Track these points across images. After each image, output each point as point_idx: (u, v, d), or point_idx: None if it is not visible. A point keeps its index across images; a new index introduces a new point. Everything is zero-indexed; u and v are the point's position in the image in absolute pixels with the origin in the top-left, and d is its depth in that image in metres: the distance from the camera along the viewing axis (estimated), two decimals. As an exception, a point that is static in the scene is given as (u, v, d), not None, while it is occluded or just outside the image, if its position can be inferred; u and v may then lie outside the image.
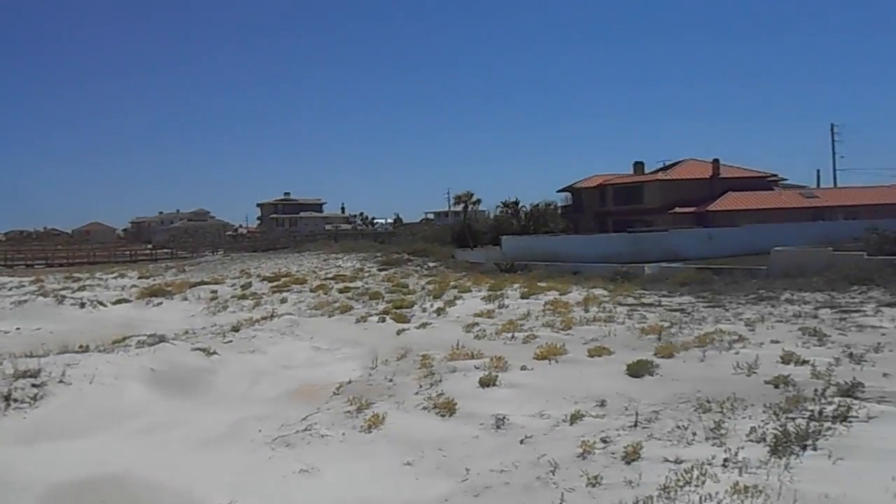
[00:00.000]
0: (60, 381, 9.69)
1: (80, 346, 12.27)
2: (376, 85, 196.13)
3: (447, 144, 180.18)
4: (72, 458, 7.74)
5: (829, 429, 7.09)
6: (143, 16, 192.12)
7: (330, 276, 30.10)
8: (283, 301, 22.72)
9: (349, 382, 10.91)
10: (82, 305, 22.22)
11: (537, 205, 53.80)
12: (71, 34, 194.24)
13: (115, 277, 33.90)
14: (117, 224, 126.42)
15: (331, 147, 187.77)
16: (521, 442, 7.71)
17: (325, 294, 23.99)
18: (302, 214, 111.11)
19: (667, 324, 14.68)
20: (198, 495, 6.81)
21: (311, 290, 25.10)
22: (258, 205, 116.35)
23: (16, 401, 9.04)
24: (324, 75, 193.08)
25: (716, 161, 47.62)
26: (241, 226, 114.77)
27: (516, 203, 54.68)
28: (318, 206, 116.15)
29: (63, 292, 25.24)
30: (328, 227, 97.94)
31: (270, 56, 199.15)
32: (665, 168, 50.04)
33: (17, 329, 17.55)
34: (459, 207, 55.59)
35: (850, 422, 7.33)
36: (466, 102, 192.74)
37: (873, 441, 6.74)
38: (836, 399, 8.14)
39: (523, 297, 20.57)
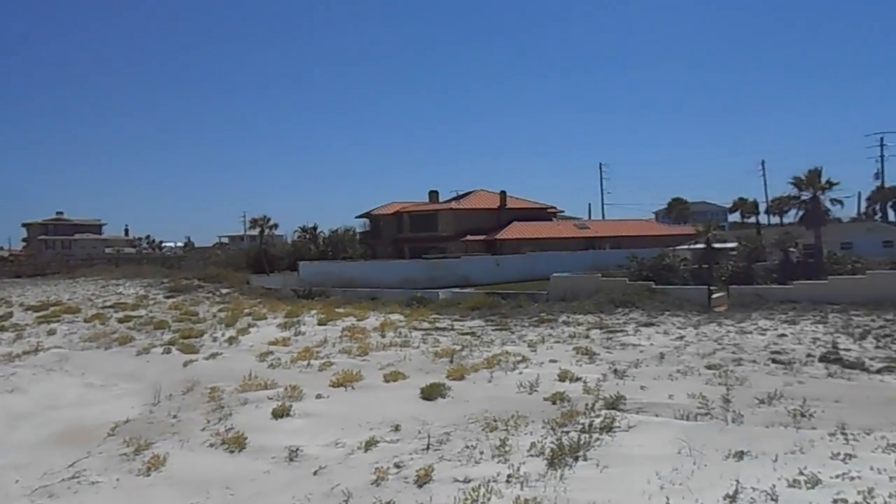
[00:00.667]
0: None
1: None
2: (166, 99, 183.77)
3: (241, 166, 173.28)
4: None
5: (598, 440, 7.84)
6: None
7: (109, 304, 27.51)
8: (52, 333, 20.29)
9: (126, 421, 10.01)
10: None
11: (336, 230, 53.65)
12: None
13: None
14: None
15: (113, 163, 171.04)
16: (315, 473, 7.58)
17: (103, 324, 21.84)
18: (77, 236, 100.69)
19: (458, 347, 15.32)
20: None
21: (86, 321, 22.73)
22: (24, 224, 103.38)
23: None
24: (106, 78, 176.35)
25: (503, 193, 51.08)
26: (2, 248, 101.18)
27: (314, 228, 54.10)
28: (96, 228, 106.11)
29: None
30: (108, 250, 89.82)
31: (48, 54, 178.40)
32: (458, 198, 52.58)
33: None
34: (255, 231, 53.61)
35: (614, 432, 8.17)
36: (261, 124, 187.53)
37: (633, 448, 7.56)
38: (604, 412, 9.04)
39: (321, 323, 20.34)
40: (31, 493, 7.36)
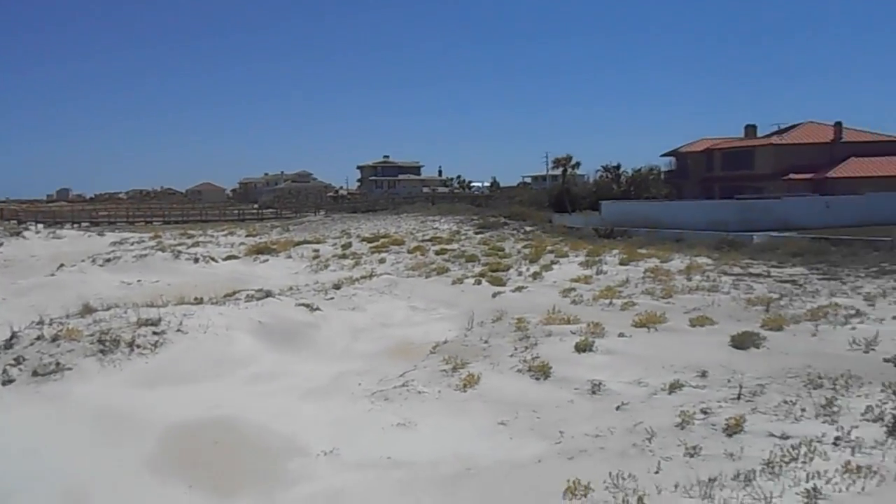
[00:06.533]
0: (178, 331, 10.39)
1: (195, 299, 13.06)
2: (475, 53, 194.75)
3: (547, 109, 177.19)
4: (187, 401, 8.32)
5: (957, 412, 6.58)
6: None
7: (427, 237, 30.48)
8: (382, 261, 23.26)
9: (445, 342, 11.09)
10: (196, 261, 23.59)
11: (639, 170, 52.13)
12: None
13: (225, 235, 35.80)
14: (226, 184, 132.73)
15: (429, 111, 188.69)
16: (617, 408, 7.62)
17: (423, 255, 24.35)
18: (400, 177, 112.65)
19: (776, 295, 13.97)
20: (302, 441, 7.18)
21: (409, 252, 25.54)
22: (358, 167, 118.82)
23: (139, 347, 9.77)
24: (427, 43, 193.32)
25: (838, 124, 44.32)
26: (341, 187, 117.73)
27: (617, 167, 53.23)
28: (416, 169, 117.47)
29: (178, 248, 26.91)
30: (425, 189, 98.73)
31: (370, 20, 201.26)
32: (780, 132, 47.04)
33: (139, 281, 18.90)
34: (558, 171, 54.69)
35: (983, 406, 6.78)
36: (563, 68, 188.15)
37: None
38: (967, 381, 7.54)
39: (622, 263, 20.10)
40: (371, 395, 8.57)
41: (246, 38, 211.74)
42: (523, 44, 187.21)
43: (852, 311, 11.93)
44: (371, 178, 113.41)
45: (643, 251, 22.36)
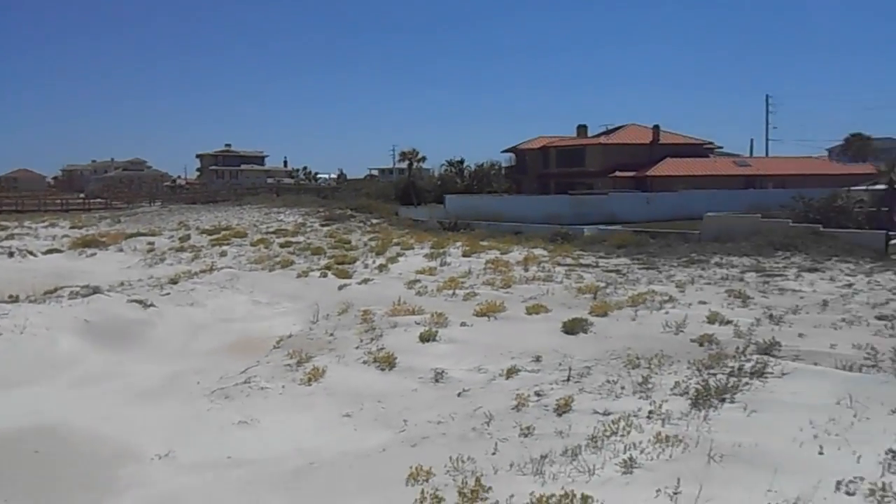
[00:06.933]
0: (-12, 332, 9.42)
1: (10, 297, 11.89)
2: (322, 42, 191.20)
3: (393, 102, 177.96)
4: (2, 409, 7.60)
5: (747, 384, 7.53)
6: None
7: (271, 230, 29.71)
8: (223, 254, 22.37)
9: (289, 336, 10.95)
10: (11, 255, 21.42)
11: (482, 164, 53.93)
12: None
13: (46, 226, 32.62)
14: (47, 172, 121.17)
15: (274, 99, 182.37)
16: (459, 395, 7.95)
17: (266, 248, 23.72)
18: (243, 167, 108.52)
19: (603, 284, 15.14)
20: (134, 446, 6.81)
21: (252, 244, 24.77)
22: (198, 156, 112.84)
23: (-60, 351, 8.75)
24: (269, 28, 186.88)
25: (656, 127, 48.61)
26: (179, 177, 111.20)
27: (461, 162, 54.73)
28: (259, 159, 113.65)
29: (-12, 241, 24.19)
30: (270, 180, 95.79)
31: (212, 4, 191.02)
32: (607, 132, 50.77)
33: (-61, 278, 16.80)
34: (404, 164, 55.26)
35: (766, 377, 7.80)
36: (414, 64, 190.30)
37: (785, 395, 7.21)
38: (755, 357, 8.63)
39: (465, 255, 20.81)
40: (210, 394, 8.31)
41: (70, 12, 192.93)
42: (370, 36, 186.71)
43: (666, 298, 13.22)
44: (212, 167, 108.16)
45: (485, 243, 23.29)
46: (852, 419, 6.35)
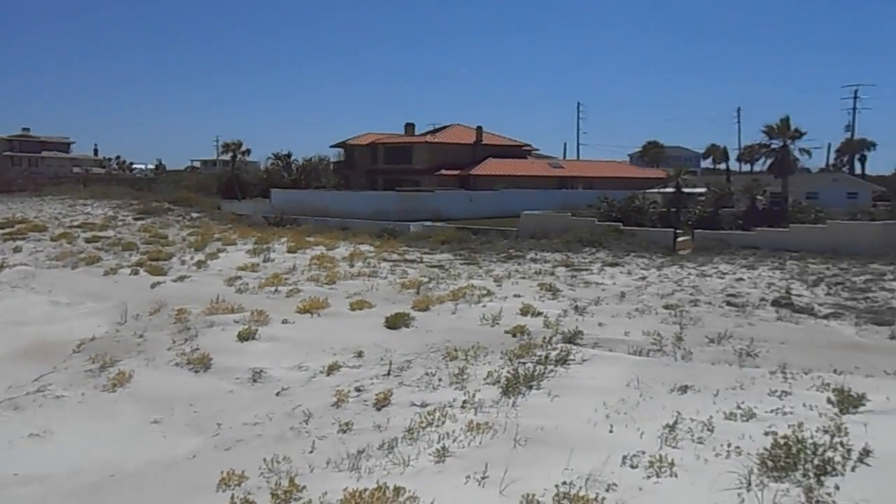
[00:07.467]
0: None
1: None
2: (135, 17, 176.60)
3: (216, 88, 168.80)
4: None
5: (552, 371, 8.14)
6: None
7: (76, 223, 27.13)
8: (17, 250, 20.07)
9: (92, 339, 10.12)
10: None
11: (310, 159, 53.08)
12: None
13: None
14: None
15: (82, 80, 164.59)
16: (278, 394, 7.81)
17: (70, 244, 21.62)
18: (45, 154, 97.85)
19: (426, 279, 15.55)
20: None
21: (53, 239, 22.47)
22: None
23: None
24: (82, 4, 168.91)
25: (479, 128, 50.67)
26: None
27: (288, 156, 53.44)
28: (64, 146, 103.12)
29: None
30: (77, 169, 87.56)
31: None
32: (434, 131, 52.04)
33: None
34: (228, 156, 52.83)
35: (569, 364, 8.48)
36: (236, 48, 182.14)
37: (584, 380, 7.89)
38: (560, 345, 9.35)
39: (290, 251, 20.39)
40: (-4, 405, 7.48)
41: None
42: (197, 17, 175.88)
43: (484, 292, 13.86)
44: (6, 153, 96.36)
45: (311, 239, 22.96)
46: (638, 399, 7.10)
